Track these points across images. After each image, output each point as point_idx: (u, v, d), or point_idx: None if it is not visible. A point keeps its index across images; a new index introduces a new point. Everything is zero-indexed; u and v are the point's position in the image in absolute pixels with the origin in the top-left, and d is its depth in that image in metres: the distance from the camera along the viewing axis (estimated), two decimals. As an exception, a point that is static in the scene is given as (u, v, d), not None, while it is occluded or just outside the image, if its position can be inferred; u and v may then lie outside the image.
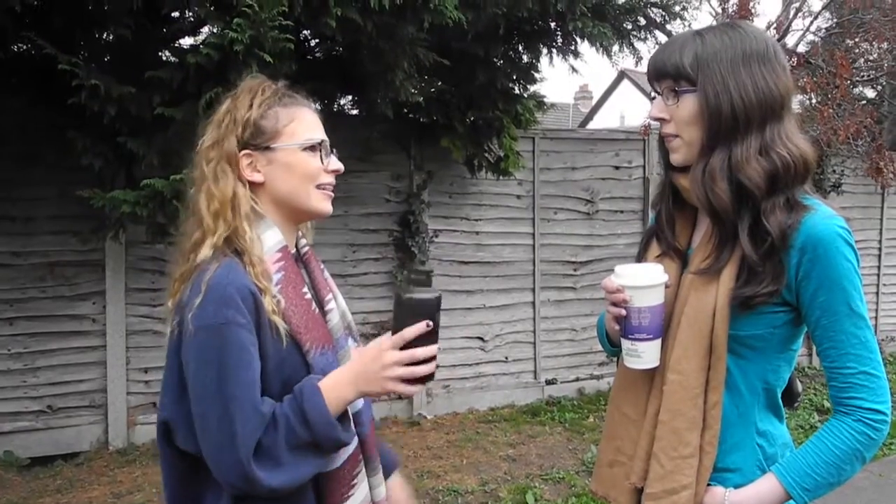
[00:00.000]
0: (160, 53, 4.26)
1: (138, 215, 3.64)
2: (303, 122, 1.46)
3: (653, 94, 1.52)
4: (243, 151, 1.42)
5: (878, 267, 8.24)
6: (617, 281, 1.45)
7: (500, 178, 5.75)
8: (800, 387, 1.64)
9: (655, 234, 1.60)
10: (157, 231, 3.92)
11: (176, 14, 4.22)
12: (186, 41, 4.46)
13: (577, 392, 6.52)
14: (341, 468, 1.40)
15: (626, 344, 1.47)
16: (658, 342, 1.46)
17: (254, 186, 1.44)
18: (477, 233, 6.06)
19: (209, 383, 1.27)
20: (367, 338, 5.54)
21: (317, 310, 1.45)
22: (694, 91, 1.41)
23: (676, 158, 1.49)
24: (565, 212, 6.42)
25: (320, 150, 1.47)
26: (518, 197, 6.21)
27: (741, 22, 1.50)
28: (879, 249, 8.22)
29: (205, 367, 1.28)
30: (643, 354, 1.45)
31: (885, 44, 6.92)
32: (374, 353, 1.33)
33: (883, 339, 8.35)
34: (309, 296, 1.44)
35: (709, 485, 1.43)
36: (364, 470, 1.47)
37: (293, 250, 1.50)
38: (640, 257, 1.63)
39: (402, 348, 1.30)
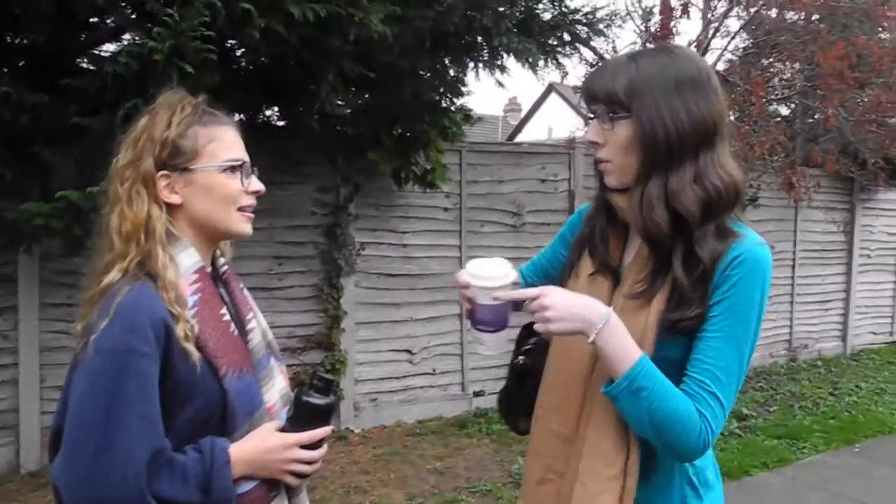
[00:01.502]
0: (79, 61, 4.13)
1: (52, 228, 3.51)
2: (223, 143, 1.43)
3: (589, 115, 1.51)
4: (161, 172, 1.38)
5: (792, 277, 8.57)
6: (463, 278, 1.48)
7: (427, 190, 5.76)
8: None
9: (589, 251, 1.60)
10: (73, 244, 3.79)
11: (95, 20, 4.10)
12: (110, 47, 4.32)
13: (505, 403, 6.55)
14: (256, 490, 1.37)
15: (473, 332, 1.53)
16: (501, 334, 1.50)
17: (171, 208, 1.40)
18: (404, 245, 6.05)
19: (95, 411, 1.21)
20: (294, 352, 5.53)
21: (235, 331, 1.42)
22: (628, 117, 1.41)
23: (610, 181, 1.50)
24: (492, 224, 6.47)
25: (241, 172, 1.43)
26: (445, 209, 6.23)
27: (676, 46, 1.52)
28: (793, 260, 8.55)
29: (96, 393, 1.22)
30: (486, 343, 1.51)
31: (797, 64, 7.22)
32: (278, 445, 1.38)
33: (797, 347, 8.69)
34: (227, 317, 1.41)
35: None
36: (283, 492, 1.44)
37: (209, 269, 1.46)
38: (572, 270, 1.63)
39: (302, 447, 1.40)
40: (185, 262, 1.37)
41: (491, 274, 1.46)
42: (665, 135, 1.38)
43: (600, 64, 1.64)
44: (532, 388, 1.66)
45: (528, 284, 1.77)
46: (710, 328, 1.38)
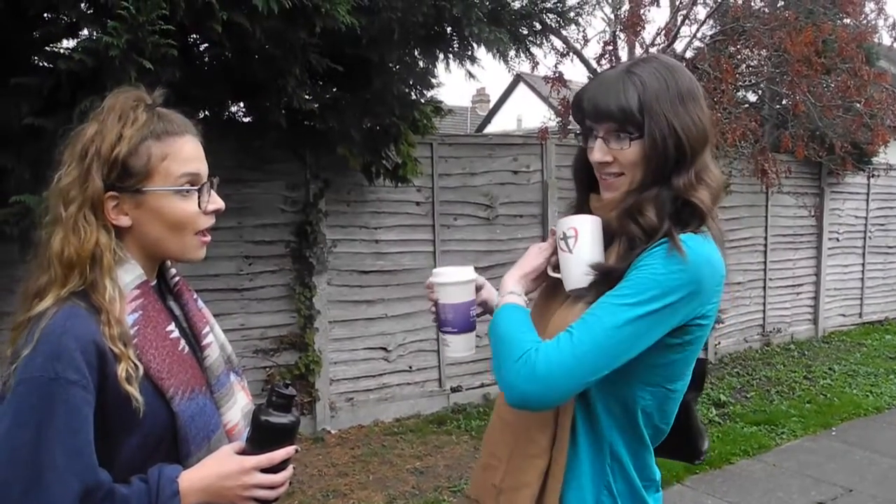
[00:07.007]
0: (33, 58, 3.95)
1: (7, 234, 3.37)
2: (178, 159, 1.29)
3: (596, 134, 1.50)
4: (109, 193, 1.26)
5: (765, 262, 8.62)
6: (429, 280, 1.62)
7: (399, 185, 5.66)
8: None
9: None
10: (31, 249, 3.63)
11: (49, 15, 3.93)
12: (67, 44, 4.15)
13: (483, 398, 6.49)
14: None
15: (441, 335, 1.62)
16: (466, 336, 1.59)
17: (118, 229, 1.28)
18: (376, 241, 5.94)
19: (21, 447, 1.10)
20: (267, 353, 5.40)
21: (186, 349, 1.31)
22: (641, 137, 1.44)
23: (615, 194, 1.50)
24: (465, 217, 6.39)
25: (199, 191, 1.31)
26: (417, 203, 6.13)
27: (665, 59, 1.55)
28: (765, 245, 8.59)
29: (20, 427, 1.11)
30: (451, 344, 1.60)
31: (764, 51, 7.22)
32: (234, 470, 1.25)
33: (770, 331, 8.75)
34: (176, 334, 1.30)
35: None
36: None
37: (154, 282, 1.35)
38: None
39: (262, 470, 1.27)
40: (124, 279, 1.27)
41: (452, 272, 1.59)
42: (675, 147, 1.43)
43: (594, 79, 1.64)
44: None
45: None
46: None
